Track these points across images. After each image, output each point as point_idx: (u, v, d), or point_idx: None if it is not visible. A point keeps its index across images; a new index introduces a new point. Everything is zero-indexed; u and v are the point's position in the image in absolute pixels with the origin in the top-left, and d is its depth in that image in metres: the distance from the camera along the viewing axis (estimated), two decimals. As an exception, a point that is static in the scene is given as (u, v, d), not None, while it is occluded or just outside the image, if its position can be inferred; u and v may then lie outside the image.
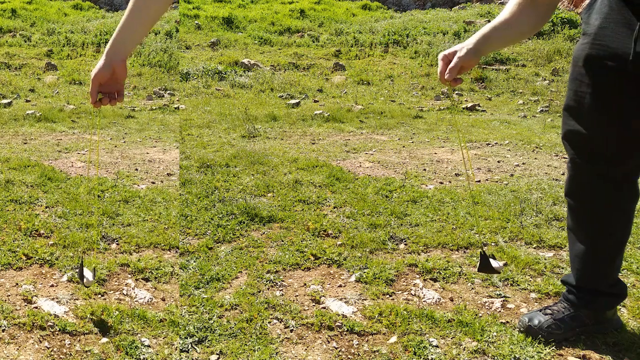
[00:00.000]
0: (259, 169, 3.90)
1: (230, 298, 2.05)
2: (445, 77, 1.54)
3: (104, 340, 1.81)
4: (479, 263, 1.82)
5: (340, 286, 2.20)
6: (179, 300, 2.06)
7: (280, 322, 1.92)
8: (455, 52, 1.56)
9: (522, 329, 1.85)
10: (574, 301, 1.85)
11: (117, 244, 2.60)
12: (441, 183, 3.70)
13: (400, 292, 2.15)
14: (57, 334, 1.83)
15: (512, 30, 1.62)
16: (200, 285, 2.16)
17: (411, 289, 2.17)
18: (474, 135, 5.53)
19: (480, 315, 1.97)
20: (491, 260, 1.80)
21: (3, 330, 1.83)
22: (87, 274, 1.92)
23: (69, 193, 3.31)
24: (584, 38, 1.65)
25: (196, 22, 12.19)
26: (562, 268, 2.35)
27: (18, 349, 1.75)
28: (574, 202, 1.79)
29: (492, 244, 2.61)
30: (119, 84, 1.46)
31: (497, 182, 3.76)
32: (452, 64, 1.54)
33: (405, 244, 2.60)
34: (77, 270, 2.01)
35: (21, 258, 2.37)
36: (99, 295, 2.11)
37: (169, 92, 8.29)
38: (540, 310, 1.87)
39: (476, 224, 2.84)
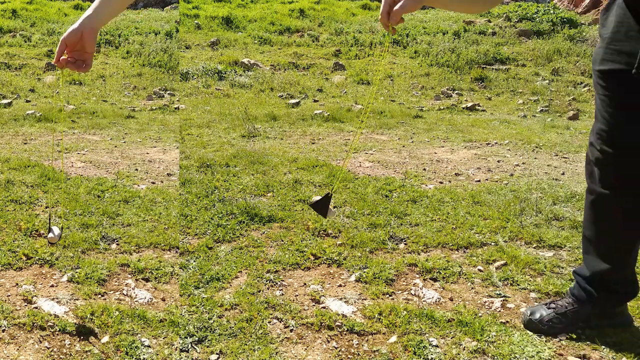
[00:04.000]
0: (259, 168, 3.90)
1: (230, 298, 2.05)
2: (390, 20, 1.42)
3: (104, 340, 1.81)
4: (319, 199, 1.72)
5: (340, 286, 2.20)
6: (179, 300, 2.06)
7: (280, 322, 1.92)
8: None
9: (523, 323, 1.88)
10: (579, 296, 1.85)
11: (117, 244, 2.60)
12: (441, 183, 3.70)
13: (400, 291, 2.15)
14: (57, 334, 1.83)
15: None
16: (200, 285, 2.16)
17: (411, 289, 2.17)
18: (474, 135, 5.53)
19: (480, 315, 1.97)
20: (331, 207, 1.74)
21: (3, 330, 1.83)
22: (55, 230, 1.90)
23: (69, 193, 3.32)
24: (600, 42, 1.68)
25: (196, 21, 12.19)
26: (562, 268, 2.35)
27: (18, 349, 1.75)
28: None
29: (492, 243, 2.61)
30: (87, 53, 1.52)
31: (497, 181, 3.76)
32: (398, 7, 1.40)
33: (405, 244, 2.60)
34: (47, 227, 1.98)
35: (21, 258, 2.37)
36: (99, 295, 2.11)
37: (169, 92, 8.29)
38: (545, 304, 1.89)
39: (476, 224, 2.84)
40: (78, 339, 1.82)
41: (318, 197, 1.74)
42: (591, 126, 1.76)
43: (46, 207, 3.06)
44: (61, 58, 1.50)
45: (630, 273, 1.81)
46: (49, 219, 1.93)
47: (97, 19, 1.52)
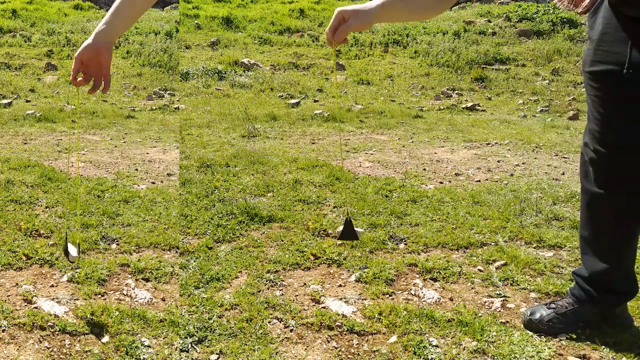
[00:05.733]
0: (259, 168, 3.90)
1: (230, 298, 2.05)
2: (335, 38, 1.45)
3: (104, 340, 1.81)
4: (343, 229, 1.77)
5: (340, 286, 2.20)
6: (179, 300, 2.06)
7: (280, 322, 1.92)
8: (354, 13, 1.44)
9: (523, 323, 1.88)
10: (579, 296, 1.85)
11: (117, 244, 2.60)
12: (441, 183, 3.70)
13: (400, 291, 2.15)
14: (57, 334, 1.83)
15: (415, 4, 1.54)
16: (200, 285, 2.16)
17: (411, 289, 2.17)
18: (474, 135, 5.53)
19: (480, 315, 1.97)
20: (356, 229, 1.78)
21: (3, 330, 1.83)
22: (72, 249, 1.91)
23: (69, 193, 3.32)
24: (589, 43, 1.69)
25: (196, 21, 12.19)
26: (562, 268, 2.35)
27: (18, 349, 1.75)
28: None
29: (492, 243, 2.61)
30: (104, 68, 1.49)
31: (497, 181, 3.76)
32: (345, 27, 1.43)
33: (405, 244, 2.60)
34: (63, 247, 1.98)
35: (21, 258, 2.37)
36: (99, 295, 2.11)
37: (169, 92, 8.29)
38: (545, 304, 1.89)
39: (476, 224, 2.84)
40: (78, 339, 1.82)
41: (341, 227, 1.78)
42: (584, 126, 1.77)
43: (46, 207, 3.06)
44: (78, 79, 1.48)
45: (629, 272, 1.81)
46: (66, 239, 1.93)
47: (111, 33, 1.48)
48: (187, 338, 1.80)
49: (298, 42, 11.27)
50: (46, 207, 3.07)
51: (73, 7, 13.51)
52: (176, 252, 2.52)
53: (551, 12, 11.83)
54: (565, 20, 11.37)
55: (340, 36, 1.43)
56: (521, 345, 1.78)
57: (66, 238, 1.94)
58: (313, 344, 1.80)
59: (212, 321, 1.89)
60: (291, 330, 1.87)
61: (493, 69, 9.60)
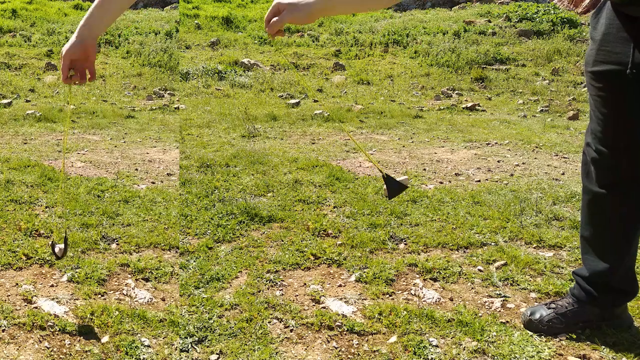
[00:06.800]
0: (259, 168, 3.90)
1: (230, 298, 2.05)
2: (267, 31, 1.39)
3: (104, 340, 1.81)
4: (386, 189, 1.64)
5: (340, 286, 2.20)
6: (179, 300, 2.06)
7: (280, 322, 1.92)
8: (290, 6, 1.36)
9: (523, 323, 1.88)
10: (580, 296, 1.85)
11: (117, 244, 2.60)
12: (441, 183, 3.70)
13: (400, 291, 2.15)
14: (57, 334, 1.83)
15: None
16: (200, 285, 2.16)
17: (411, 289, 2.17)
18: (474, 135, 5.53)
19: (480, 315, 1.97)
20: (397, 179, 1.64)
21: (3, 330, 1.83)
22: (57, 247, 1.90)
23: (69, 193, 3.31)
24: (592, 44, 1.69)
25: (196, 21, 12.19)
26: (562, 268, 2.35)
27: (18, 349, 1.75)
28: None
29: (492, 243, 2.61)
30: (90, 62, 1.52)
31: (497, 181, 3.76)
32: (277, 20, 1.36)
33: (405, 244, 2.60)
34: (50, 245, 1.95)
35: (21, 258, 2.37)
36: (99, 295, 2.11)
37: (169, 92, 8.29)
38: (545, 304, 1.89)
39: (476, 224, 2.84)
40: (78, 339, 1.82)
41: (385, 191, 1.64)
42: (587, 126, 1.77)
43: (46, 207, 3.06)
44: (71, 76, 1.50)
45: (629, 272, 1.81)
46: (53, 243, 1.91)
47: (96, 28, 1.50)
48: (187, 338, 1.80)
49: (298, 42, 11.26)
50: (46, 207, 3.07)
51: (73, 7, 13.51)
52: (176, 252, 2.52)
53: (551, 12, 11.83)
54: (565, 20, 11.38)
55: (272, 29, 1.36)
56: (521, 345, 1.78)
57: (53, 242, 1.92)
58: (313, 344, 1.80)
59: (212, 321, 1.89)
60: (291, 330, 1.87)
61: (493, 69, 9.60)
